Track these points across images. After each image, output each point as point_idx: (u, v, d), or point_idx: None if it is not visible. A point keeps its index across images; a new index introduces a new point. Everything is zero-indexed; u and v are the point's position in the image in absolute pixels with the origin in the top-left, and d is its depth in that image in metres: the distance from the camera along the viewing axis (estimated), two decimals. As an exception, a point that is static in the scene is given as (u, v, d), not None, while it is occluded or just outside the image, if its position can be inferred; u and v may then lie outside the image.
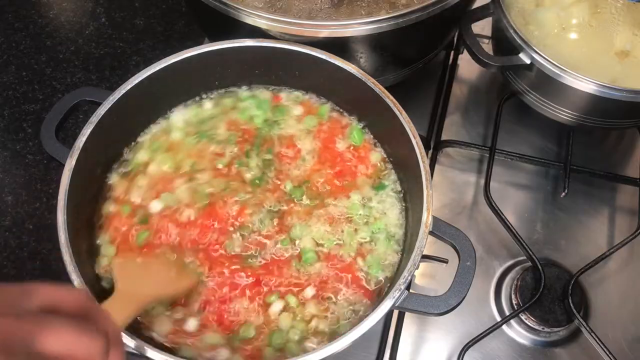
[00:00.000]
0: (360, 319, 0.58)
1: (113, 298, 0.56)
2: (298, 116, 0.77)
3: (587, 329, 0.72)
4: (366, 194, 0.72)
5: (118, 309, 0.52)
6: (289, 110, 0.77)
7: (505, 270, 0.81)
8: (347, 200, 0.71)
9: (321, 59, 0.70)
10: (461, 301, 0.59)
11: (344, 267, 0.67)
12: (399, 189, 0.73)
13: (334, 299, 0.66)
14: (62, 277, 0.59)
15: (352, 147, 0.75)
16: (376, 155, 0.75)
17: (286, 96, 0.78)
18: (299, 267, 0.67)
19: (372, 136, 0.76)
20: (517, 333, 0.77)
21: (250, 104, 0.77)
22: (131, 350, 0.55)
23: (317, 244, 0.68)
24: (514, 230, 0.78)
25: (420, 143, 0.65)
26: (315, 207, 0.70)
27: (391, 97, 0.68)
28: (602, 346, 0.71)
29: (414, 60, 0.86)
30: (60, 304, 0.40)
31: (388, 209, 0.71)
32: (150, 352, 0.55)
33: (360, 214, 0.70)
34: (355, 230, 0.69)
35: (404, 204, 0.72)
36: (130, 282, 0.59)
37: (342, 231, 0.69)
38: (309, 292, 0.66)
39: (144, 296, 0.58)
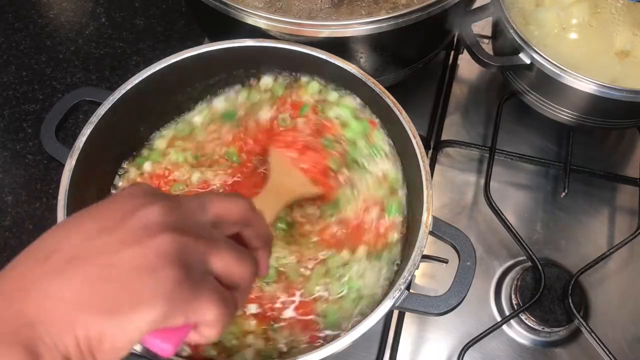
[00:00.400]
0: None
1: (266, 190, 0.60)
2: (377, 177, 0.69)
3: (587, 329, 0.72)
4: (356, 258, 0.64)
5: (269, 203, 0.57)
6: (377, 151, 0.70)
7: (505, 270, 0.81)
8: (329, 250, 0.65)
9: (321, 59, 0.70)
10: (461, 301, 0.59)
11: (300, 302, 0.62)
12: (397, 255, 0.66)
13: (275, 327, 0.61)
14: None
15: (380, 219, 0.67)
16: (395, 237, 0.67)
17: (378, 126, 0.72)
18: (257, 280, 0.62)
19: (401, 211, 0.68)
20: (517, 333, 0.77)
21: (345, 113, 0.72)
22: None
23: (280, 265, 0.64)
24: (514, 230, 0.78)
25: (420, 143, 0.65)
26: (291, 238, 0.65)
27: (391, 97, 0.68)
28: (602, 346, 0.71)
29: (414, 60, 0.86)
30: (227, 214, 0.44)
31: (368, 274, 0.64)
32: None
33: (336, 270, 0.64)
34: (327, 280, 0.63)
35: (396, 264, 0.65)
36: (282, 174, 0.63)
37: (312, 269, 0.63)
38: (253, 308, 0.62)
39: (292, 191, 0.62)
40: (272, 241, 0.49)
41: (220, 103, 0.75)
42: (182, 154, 0.72)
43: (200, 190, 0.69)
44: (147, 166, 0.71)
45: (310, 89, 0.74)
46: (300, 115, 0.72)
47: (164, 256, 0.38)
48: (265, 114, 0.73)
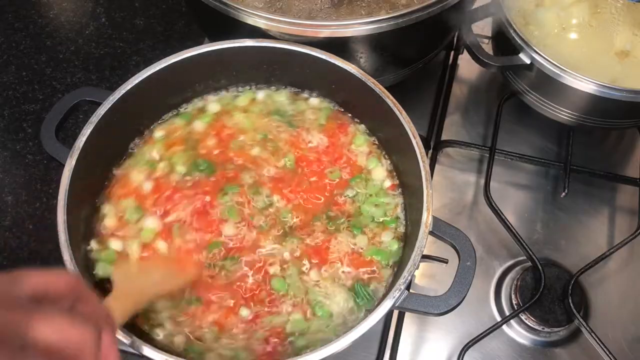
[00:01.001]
0: None
1: (111, 296, 0.55)
2: None
3: (587, 329, 0.72)
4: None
5: (115, 307, 0.52)
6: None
7: (505, 270, 0.81)
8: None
9: (321, 59, 0.70)
10: (461, 301, 0.59)
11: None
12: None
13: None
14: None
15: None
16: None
17: None
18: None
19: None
20: (517, 333, 0.77)
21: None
22: (129, 350, 0.55)
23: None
24: (514, 230, 0.78)
25: (420, 143, 0.65)
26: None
27: (391, 97, 0.68)
28: (602, 346, 0.71)
29: (414, 60, 0.86)
30: (50, 289, 0.39)
31: (337, 296, 0.64)
32: (147, 350, 0.54)
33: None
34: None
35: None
36: (128, 283, 0.59)
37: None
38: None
39: (142, 295, 0.58)
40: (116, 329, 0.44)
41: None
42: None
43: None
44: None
45: (358, 140, 0.74)
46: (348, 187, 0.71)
47: None
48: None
